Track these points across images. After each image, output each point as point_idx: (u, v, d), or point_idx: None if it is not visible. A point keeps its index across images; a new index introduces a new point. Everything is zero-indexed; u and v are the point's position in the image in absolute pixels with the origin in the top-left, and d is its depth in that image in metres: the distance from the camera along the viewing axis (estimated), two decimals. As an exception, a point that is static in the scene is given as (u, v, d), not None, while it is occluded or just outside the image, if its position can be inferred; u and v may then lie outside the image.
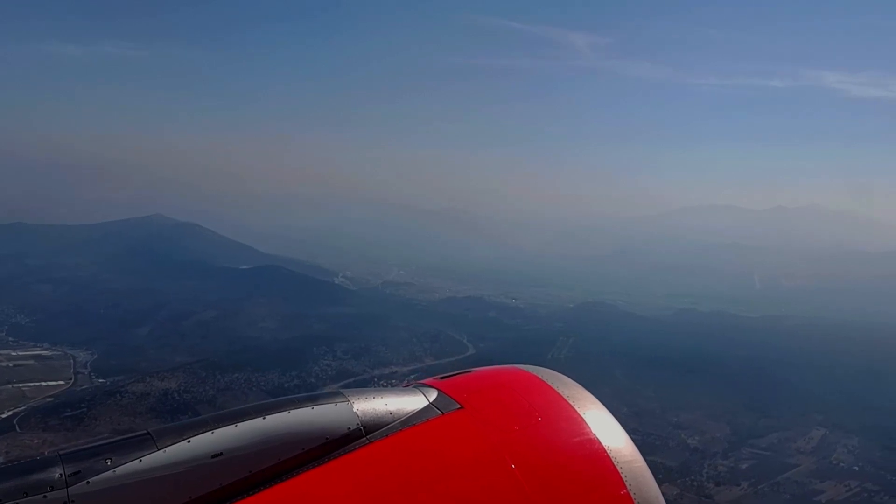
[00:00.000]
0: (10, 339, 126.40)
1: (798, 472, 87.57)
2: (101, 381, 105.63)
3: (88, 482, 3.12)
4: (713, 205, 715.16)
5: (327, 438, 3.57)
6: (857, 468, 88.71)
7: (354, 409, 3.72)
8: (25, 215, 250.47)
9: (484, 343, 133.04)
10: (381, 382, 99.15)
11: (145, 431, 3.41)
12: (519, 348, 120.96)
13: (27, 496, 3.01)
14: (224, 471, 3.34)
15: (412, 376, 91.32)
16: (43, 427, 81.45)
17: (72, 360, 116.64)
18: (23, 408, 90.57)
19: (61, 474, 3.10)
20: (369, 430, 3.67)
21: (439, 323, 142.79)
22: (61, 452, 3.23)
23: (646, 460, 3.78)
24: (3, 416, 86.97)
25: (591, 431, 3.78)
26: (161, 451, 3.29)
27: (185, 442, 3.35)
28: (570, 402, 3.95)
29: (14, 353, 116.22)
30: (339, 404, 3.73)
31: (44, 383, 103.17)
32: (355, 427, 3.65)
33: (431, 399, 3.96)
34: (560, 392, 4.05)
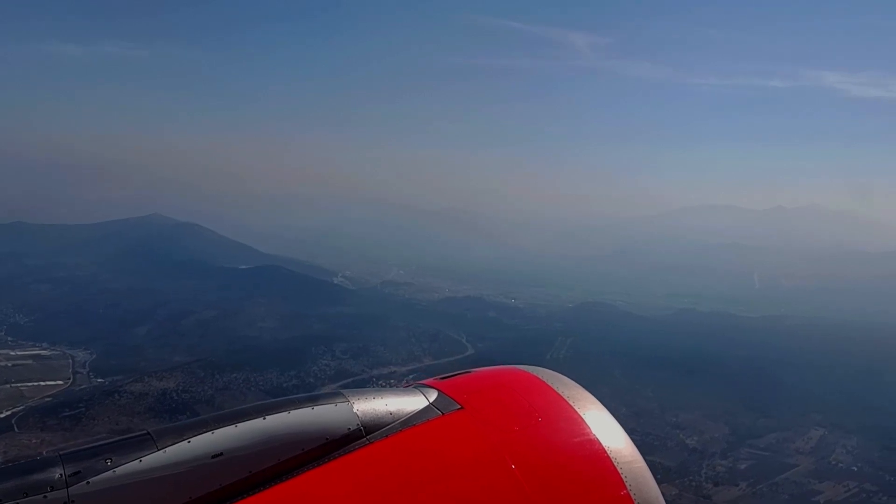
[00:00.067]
0: (9, 338, 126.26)
1: (797, 473, 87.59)
2: (99, 380, 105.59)
3: (88, 482, 3.12)
4: (713, 205, 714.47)
5: (327, 439, 3.58)
6: (855, 468, 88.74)
7: (354, 410, 3.72)
8: (25, 215, 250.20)
9: (483, 343, 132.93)
10: (380, 382, 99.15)
11: (145, 431, 3.41)
12: (518, 348, 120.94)
13: (27, 496, 3.01)
14: (224, 471, 3.34)
15: (411, 376, 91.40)
16: (41, 427, 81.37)
17: (70, 360, 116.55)
18: (21, 407, 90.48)
19: (61, 474, 3.10)
20: (369, 430, 3.68)
21: (438, 323, 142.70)
22: (61, 452, 3.23)
23: (644, 460, 3.78)
24: (2, 415, 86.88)
25: (591, 432, 3.78)
26: (161, 451, 3.29)
27: (186, 442, 3.35)
28: (570, 403, 3.96)
29: (13, 353, 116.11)
30: (339, 405, 3.74)
31: (42, 383, 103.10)
32: (355, 427, 3.65)
33: (431, 399, 3.96)
34: (560, 392, 4.05)
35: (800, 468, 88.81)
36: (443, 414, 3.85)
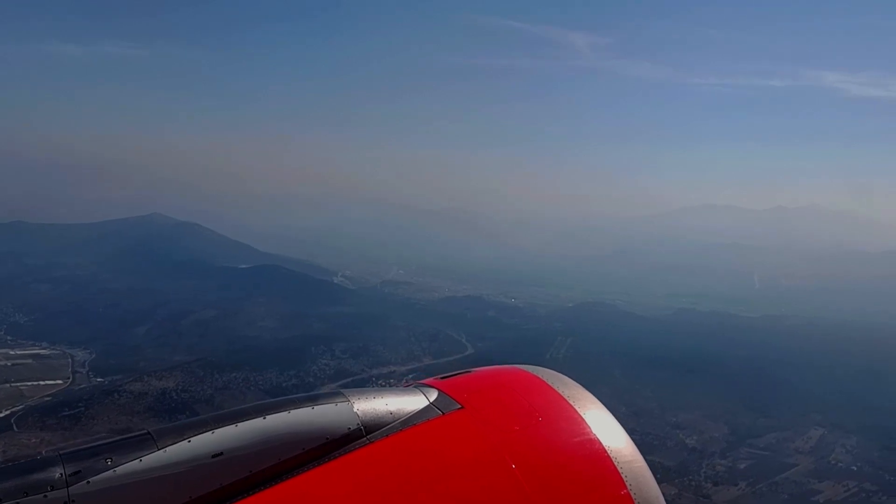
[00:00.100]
0: (9, 337, 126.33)
1: (796, 472, 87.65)
2: (99, 380, 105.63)
3: (89, 482, 3.12)
4: (713, 205, 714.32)
5: (328, 438, 3.57)
6: (855, 468, 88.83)
7: (355, 409, 3.72)
8: (25, 215, 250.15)
9: (483, 342, 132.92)
10: (380, 382, 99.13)
11: (145, 431, 3.41)
12: (518, 348, 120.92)
13: (27, 496, 3.01)
14: (224, 471, 3.34)
15: (411, 376, 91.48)
16: (41, 426, 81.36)
17: (70, 360, 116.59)
18: (20, 407, 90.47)
19: (62, 474, 3.10)
20: (370, 430, 3.67)
21: (438, 322, 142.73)
22: (61, 452, 3.23)
23: (644, 460, 3.78)
24: (1, 415, 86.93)
25: (591, 431, 3.78)
26: (161, 450, 3.29)
27: (186, 442, 3.35)
28: (571, 402, 3.96)
29: (12, 352, 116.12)
30: (339, 404, 3.74)
31: (42, 382, 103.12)
32: (356, 427, 3.65)
33: (432, 399, 3.96)
34: (560, 392, 4.05)
35: (799, 468, 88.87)
36: (443, 413, 3.84)
